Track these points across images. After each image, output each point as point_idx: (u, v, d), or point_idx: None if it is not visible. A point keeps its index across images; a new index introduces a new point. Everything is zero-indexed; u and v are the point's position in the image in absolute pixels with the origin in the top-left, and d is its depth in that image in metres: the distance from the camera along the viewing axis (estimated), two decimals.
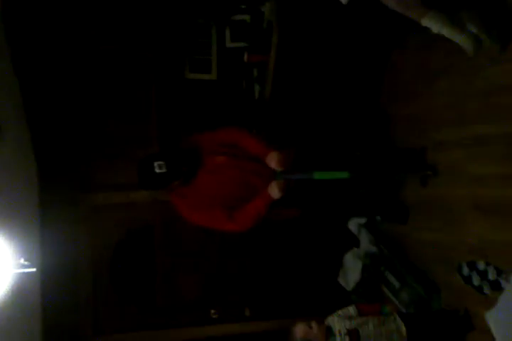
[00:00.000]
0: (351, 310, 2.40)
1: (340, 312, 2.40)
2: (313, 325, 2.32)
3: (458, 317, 2.35)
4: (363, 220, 3.30)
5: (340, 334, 2.28)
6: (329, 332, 2.31)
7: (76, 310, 3.02)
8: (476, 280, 2.23)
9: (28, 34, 2.76)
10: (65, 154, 3.01)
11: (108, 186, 3.12)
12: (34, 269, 1.55)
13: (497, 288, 2.10)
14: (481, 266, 2.20)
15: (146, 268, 3.23)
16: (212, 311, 3.36)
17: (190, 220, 2.31)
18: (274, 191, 2.18)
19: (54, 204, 2.86)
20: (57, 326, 2.80)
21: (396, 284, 2.92)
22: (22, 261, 1.53)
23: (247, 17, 3.17)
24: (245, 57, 3.17)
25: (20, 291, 1.89)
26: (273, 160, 2.23)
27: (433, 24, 1.89)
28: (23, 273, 1.54)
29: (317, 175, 2.29)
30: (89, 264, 3.08)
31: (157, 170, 2.08)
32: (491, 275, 2.13)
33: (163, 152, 2.24)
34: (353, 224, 3.34)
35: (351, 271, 3.34)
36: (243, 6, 3.15)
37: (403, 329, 2.31)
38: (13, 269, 1.51)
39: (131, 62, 3.13)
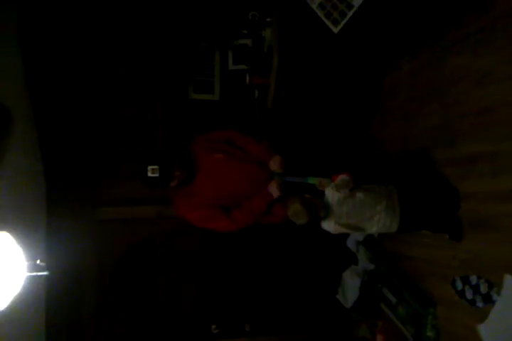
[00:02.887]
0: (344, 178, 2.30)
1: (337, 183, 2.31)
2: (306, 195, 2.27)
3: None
4: (361, 237, 3.37)
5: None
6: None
7: (79, 322, 3.07)
8: (469, 294, 2.28)
9: (43, 55, 2.92)
10: (74, 169, 3.11)
11: (114, 201, 3.21)
12: (47, 273, 1.60)
13: (489, 301, 2.15)
14: (474, 280, 2.26)
15: (148, 282, 3.28)
16: (213, 326, 3.40)
17: (187, 218, 2.38)
18: (274, 190, 2.35)
19: (61, 216, 2.92)
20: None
21: (393, 300, 2.97)
22: (38, 262, 1.59)
23: (248, 41, 3.33)
24: (247, 79, 3.31)
25: (26, 299, 1.94)
26: (276, 163, 2.41)
27: None
28: (34, 277, 1.59)
29: (310, 180, 2.45)
30: (93, 276, 3.14)
31: (150, 174, 2.18)
32: (483, 288, 2.19)
33: (159, 155, 2.32)
34: (351, 242, 3.41)
35: (350, 288, 3.38)
36: (245, 31, 3.31)
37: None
38: (25, 272, 1.57)
39: (140, 83, 3.26)
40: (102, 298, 3.17)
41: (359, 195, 2.27)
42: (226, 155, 2.39)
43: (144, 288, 3.28)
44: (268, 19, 3.22)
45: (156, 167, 2.18)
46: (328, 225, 2.30)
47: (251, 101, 3.41)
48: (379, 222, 2.26)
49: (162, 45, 3.28)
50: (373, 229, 2.30)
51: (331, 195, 2.27)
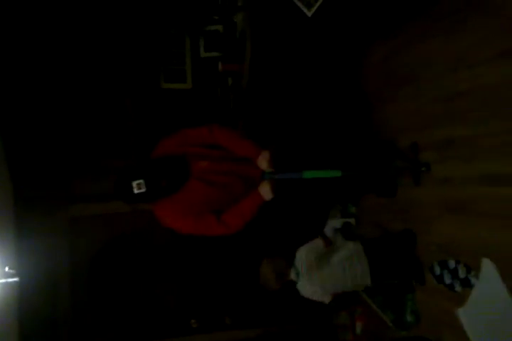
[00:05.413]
0: (318, 242, 2.53)
1: (310, 248, 2.52)
2: (277, 258, 2.50)
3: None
4: (338, 225, 3.37)
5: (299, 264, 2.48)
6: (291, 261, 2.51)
7: (54, 324, 2.96)
8: (447, 279, 2.29)
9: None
10: (42, 166, 2.98)
11: (85, 197, 3.11)
12: (17, 279, 1.51)
13: (467, 285, 2.16)
14: (452, 264, 2.27)
15: (125, 278, 3.20)
16: (193, 321, 3.35)
17: (174, 228, 2.19)
18: (267, 192, 2.16)
19: (30, 216, 2.83)
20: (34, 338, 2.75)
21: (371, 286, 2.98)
22: (6, 269, 1.50)
23: (220, 27, 3.24)
24: (220, 66, 3.22)
25: None
26: (264, 161, 2.18)
27: None
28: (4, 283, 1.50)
29: (306, 174, 2.27)
30: (68, 276, 3.05)
31: (136, 191, 1.94)
32: (461, 273, 2.20)
33: (141, 167, 2.03)
34: (329, 229, 3.40)
35: None
36: (216, 17, 3.22)
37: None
38: None
39: (107, 74, 3.14)
40: (78, 296, 3.08)
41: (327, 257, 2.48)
42: (211, 162, 2.17)
43: (120, 285, 3.20)
44: (239, 3, 3.13)
45: (141, 181, 1.93)
46: (303, 287, 2.47)
47: (224, 90, 3.32)
48: (350, 275, 2.44)
49: (129, 32, 3.16)
50: (348, 284, 2.46)
51: (300, 261, 2.46)
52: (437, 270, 2.37)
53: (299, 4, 2.41)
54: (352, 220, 3.37)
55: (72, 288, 3.06)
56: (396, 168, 2.65)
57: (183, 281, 3.32)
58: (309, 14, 2.38)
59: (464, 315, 2.16)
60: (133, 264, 3.22)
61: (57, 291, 2.98)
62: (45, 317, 2.88)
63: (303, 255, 2.50)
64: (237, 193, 2.20)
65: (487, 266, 2.02)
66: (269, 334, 3.36)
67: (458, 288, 2.22)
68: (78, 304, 3.07)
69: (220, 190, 2.17)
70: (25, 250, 2.71)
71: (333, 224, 3.38)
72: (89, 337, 3.13)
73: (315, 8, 2.38)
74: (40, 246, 2.79)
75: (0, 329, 2.29)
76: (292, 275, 2.47)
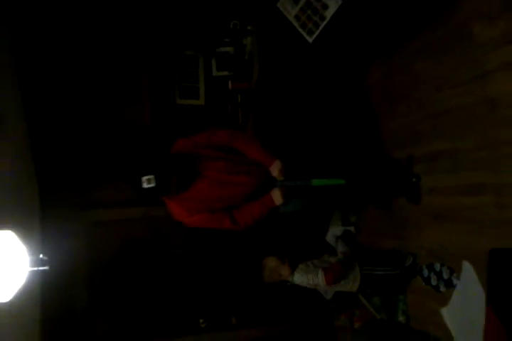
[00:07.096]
0: (320, 280, 2.70)
1: (311, 278, 2.72)
2: (287, 261, 2.75)
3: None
4: (339, 232, 3.57)
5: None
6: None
7: (73, 320, 3.21)
8: (433, 280, 2.49)
9: (36, 58, 3.13)
10: (66, 172, 3.26)
11: (106, 203, 3.37)
12: (47, 267, 1.70)
13: (450, 285, 2.36)
14: (437, 267, 2.47)
15: (138, 278, 3.43)
16: (201, 320, 3.55)
17: (185, 222, 2.35)
18: (278, 198, 2.38)
19: (54, 218, 3.07)
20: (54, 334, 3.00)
21: (369, 290, 3.17)
22: (41, 256, 1.70)
23: (230, 49, 3.53)
24: (230, 84, 3.51)
25: (20, 301, 2.07)
26: (276, 169, 2.36)
27: None
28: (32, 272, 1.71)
29: (315, 182, 2.47)
30: (86, 277, 3.29)
31: (145, 186, 2.05)
32: (445, 274, 2.40)
33: (153, 163, 2.20)
34: (330, 236, 3.61)
35: None
36: (227, 40, 3.52)
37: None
38: (28, 267, 1.69)
39: (128, 88, 3.45)
40: (94, 294, 3.31)
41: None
42: (227, 163, 2.34)
43: (133, 284, 3.42)
44: (249, 28, 3.42)
45: (151, 177, 2.06)
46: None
47: (234, 106, 3.60)
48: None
49: (149, 53, 3.47)
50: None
51: (300, 279, 2.73)
52: (425, 272, 2.57)
53: (301, 31, 2.68)
54: (352, 228, 3.57)
55: (89, 285, 3.31)
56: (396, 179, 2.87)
57: (192, 282, 3.53)
58: (310, 40, 2.64)
59: (446, 313, 2.36)
60: (145, 265, 3.44)
61: (75, 286, 3.23)
62: (65, 306, 3.12)
63: (304, 278, 2.74)
64: (246, 193, 2.38)
65: (466, 268, 2.22)
66: (271, 334, 3.55)
67: (442, 288, 2.42)
68: (94, 300, 3.31)
69: (231, 189, 2.33)
70: (47, 250, 2.91)
71: (334, 231, 3.59)
72: (104, 334, 3.36)
73: (316, 34, 2.64)
74: (61, 245, 2.95)
75: (25, 311, 2.51)
76: (290, 279, 2.78)
